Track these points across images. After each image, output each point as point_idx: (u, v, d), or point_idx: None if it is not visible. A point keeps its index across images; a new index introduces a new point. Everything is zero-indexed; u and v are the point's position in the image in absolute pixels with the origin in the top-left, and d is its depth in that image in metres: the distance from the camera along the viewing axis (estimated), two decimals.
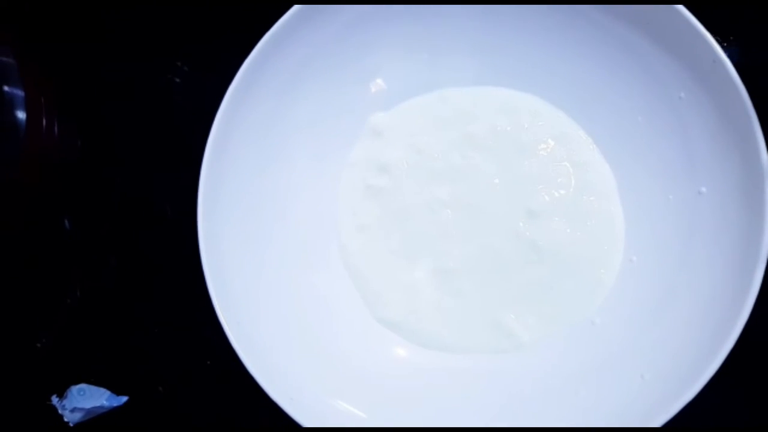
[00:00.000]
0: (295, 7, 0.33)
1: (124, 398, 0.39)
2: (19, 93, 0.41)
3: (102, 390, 0.39)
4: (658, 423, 0.28)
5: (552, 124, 0.37)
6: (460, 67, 0.37)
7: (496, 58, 0.37)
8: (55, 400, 0.39)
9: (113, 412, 0.39)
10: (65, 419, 0.38)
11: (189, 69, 0.43)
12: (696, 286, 0.31)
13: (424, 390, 0.34)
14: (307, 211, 0.37)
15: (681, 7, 0.30)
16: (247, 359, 0.31)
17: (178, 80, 0.43)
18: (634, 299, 0.33)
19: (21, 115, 0.40)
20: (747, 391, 0.35)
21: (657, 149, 0.34)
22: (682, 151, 0.32)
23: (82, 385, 0.39)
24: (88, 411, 0.38)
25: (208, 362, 0.38)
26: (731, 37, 0.36)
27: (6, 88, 0.40)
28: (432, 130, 0.38)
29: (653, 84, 0.33)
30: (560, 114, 0.37)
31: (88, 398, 0.39)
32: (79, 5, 0.43)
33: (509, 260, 0.35)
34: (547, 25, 0.35)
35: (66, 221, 0.42)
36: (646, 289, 0.33)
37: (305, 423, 0.31)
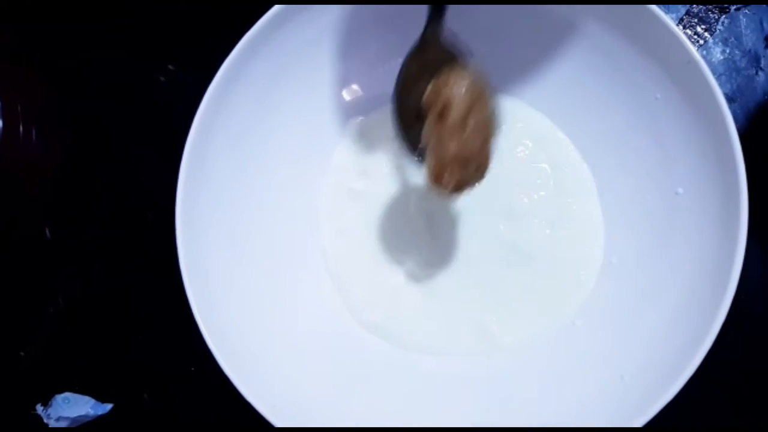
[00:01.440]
0: (271, 11, 0.33)
1: (109, 406, 0.39)
2: None
3: (86, 398, 0.39)
4: (638, 423, 0.28)
5: (530, 126, 0.37)
6: None
7: (474, 61, 0.37)
8: (39, 409, 0.39)
9: (98, 420, 0.39)
10: (50, 428, 0.38)
11: (175, 69, 0.42)
12: (674, 286, 0.31)
13: (406, 392, 0.34)
14: (288, 216, 0.37)
15: (655, 8, 0.30)
16: (227, 367, 0.31)
17: (163, 79, 0.42)
18: (614, 300, 0.33)
19: None
20: (723, 391, 0.35)
21: (635, 150, 0.34)
22: (659, 152, 0.33)
23: (67, 394, 0.39)
24: (73, 419, 0.38)
25: (192, 369, 0.38)
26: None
27: None
28: None
29: (630, 85, 0.33)
30: (538, 115, 0.37)
31: (72, 407, 0.39)
32: (66, 11, 0.43)
33: (490, 263, 0.36)
34: (524, 28, 0.35)
35: (47, 230, 0.41)
36: (626, 290, 0.33)
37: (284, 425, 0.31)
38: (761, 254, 0.35)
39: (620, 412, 0.29)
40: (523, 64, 0.36)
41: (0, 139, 0.38)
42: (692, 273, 0.30)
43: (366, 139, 0.38)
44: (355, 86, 0.38)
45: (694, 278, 0.30)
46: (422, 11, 0.35)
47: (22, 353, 0.40)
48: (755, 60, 0.37)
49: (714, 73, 0.36)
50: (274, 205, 0.37)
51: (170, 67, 0.42)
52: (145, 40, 0.42)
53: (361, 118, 0.38)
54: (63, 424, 0.38)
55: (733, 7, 0.37)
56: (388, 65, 0.37)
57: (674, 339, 0.30)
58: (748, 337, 0.35)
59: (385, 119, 0.38)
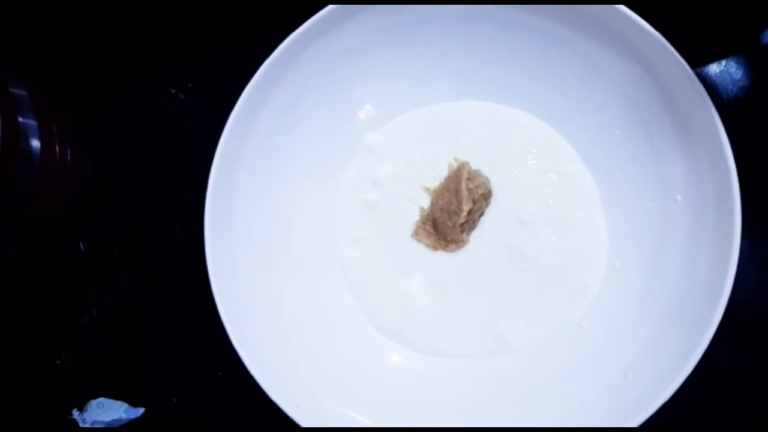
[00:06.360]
0: (284, 44, 0.35)
1: (141, 410, 0.40)
2: (33, 123, 0.42)
3: (120, 403, 0.40)
4: (640, 419, 0.30)
5: (538, 136, 0.38)
6: (446, 85, 0.39)
7: (482, 75, 0.39)
8: (75, 413, 0.40)
9: (131, 423, 0.40)
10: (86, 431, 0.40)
11: (193, 86, 0.44)
12: (674, 287, 0.33)
13: (422, 393, 0.36)
14: (308, 228, 0.39)
15: (652, 28, 0.32)
16: (254, 370, 0.33)
17: (183, 96, 0.44)
18: (618, 302, 0.35)
19: (36, 143, 0.42)
20: (723, 390, 0.36)
21: (635, 161, 0.35)
22: (658, 163, 0.34)
23: (101, 399, 0.40)
24: (108, 423, 0.40)
25: (219, 373, 0.40)
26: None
27: (20, 119, 0.42)
28: (422, 143, 0.40)
29: (629, 99, 0.35)
30: (545, 126, 0.38)
31: (106, 411, 0.40)
32: (85, 35, 0.45)
33: (501, 269, 0.37)
34: (528, 46, 0.37)
35: (81, 244, 0.43)
36: (629, 293, 0.35)
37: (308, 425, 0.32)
38: (754, 256, 0.36)
39: (625, 408, 0.31)
40: (528, 79, 0.38)
41: (39, 159, 0.41)
42: (691, 274, 0.32)
43: (378, 152, 0.40)
44: (368, 106, 0.40)
45: (693, 279, 0.32)
46: (427, 39, 0.37)
47: (58, 361, 0.42)
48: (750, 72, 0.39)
49: (711, 84, 0.38)
50: (294, 219, 0.39)
51: (188, 83, 0.44)
52: (164, 59, 0.45)
53: (372, 133, 0.40)
54: (98, 427, 0.40)
55: None
56: (396, 86, 0.39)
57: (675, 337, 0.31)
58: (744, 335, 0.36)
59: (394, 134, 0.40)
